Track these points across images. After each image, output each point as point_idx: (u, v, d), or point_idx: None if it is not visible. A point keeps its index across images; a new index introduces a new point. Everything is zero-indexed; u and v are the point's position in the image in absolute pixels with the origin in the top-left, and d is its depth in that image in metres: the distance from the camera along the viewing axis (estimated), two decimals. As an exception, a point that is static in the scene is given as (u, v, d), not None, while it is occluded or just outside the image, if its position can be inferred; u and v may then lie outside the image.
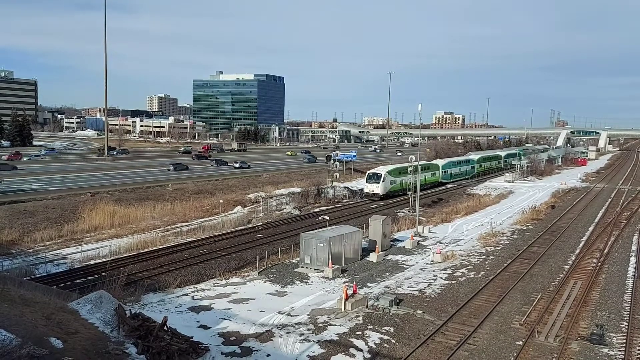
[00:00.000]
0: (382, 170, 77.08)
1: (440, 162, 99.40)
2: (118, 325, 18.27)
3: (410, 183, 71.15)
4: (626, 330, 24.61)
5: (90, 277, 34.56)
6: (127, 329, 18.16)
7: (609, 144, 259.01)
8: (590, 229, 50.94)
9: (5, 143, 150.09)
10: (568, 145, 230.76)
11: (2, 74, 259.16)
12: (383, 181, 74.28)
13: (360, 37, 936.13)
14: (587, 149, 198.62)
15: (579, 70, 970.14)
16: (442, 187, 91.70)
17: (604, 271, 35.17)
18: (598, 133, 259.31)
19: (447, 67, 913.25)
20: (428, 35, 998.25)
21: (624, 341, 23.35)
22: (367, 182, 75.99)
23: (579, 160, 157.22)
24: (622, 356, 21.87)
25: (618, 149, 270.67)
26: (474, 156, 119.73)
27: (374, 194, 74.34)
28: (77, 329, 16.86)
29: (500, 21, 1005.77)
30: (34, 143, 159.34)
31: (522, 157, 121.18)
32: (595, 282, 32.39)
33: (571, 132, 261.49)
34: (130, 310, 20.06)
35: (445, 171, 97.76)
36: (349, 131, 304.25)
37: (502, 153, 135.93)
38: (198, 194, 72.91)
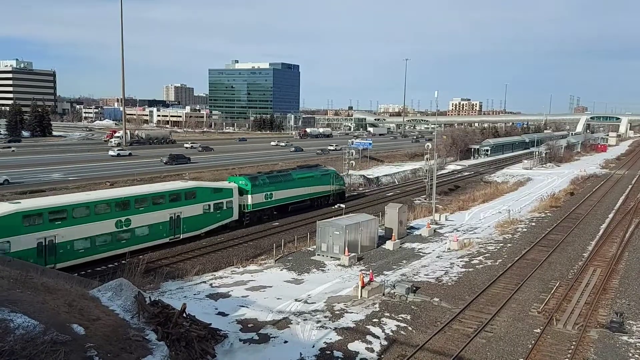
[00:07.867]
0: None
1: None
2: (138, 312, 18.54)
3: None
4: (646, 318, 24.34)
5: (110, 265, 35.13)
6: (147, 315, 18.43)
7: (630, 129, 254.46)
8: (610, 216, 50.27)
9: (25, 133, 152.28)
10: (587, 131, 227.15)
11: (22, 65, 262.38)
12: None
13: (375, 24, 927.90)
14: (607, 135, 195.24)
15: (599, 55, 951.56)
16: (459, 175, 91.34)
17: (624, 258, 34.74)
18: (619, 119, 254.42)
19: (464, 53, 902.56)
20: (444, 20, 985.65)
21: (644, 329, 23.11)
22: None
23: (599, 146, 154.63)
24: (642, 344, 21.65)
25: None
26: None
27: None
28: (98, 316, 17.15)
29: (519, 4, 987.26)
30: (54, 133, 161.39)
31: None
32: (615, 269, 32.01)
33: (591, 117, 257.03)
34: (149, 297, 20.33)
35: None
36: (365, 119, 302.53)
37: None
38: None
